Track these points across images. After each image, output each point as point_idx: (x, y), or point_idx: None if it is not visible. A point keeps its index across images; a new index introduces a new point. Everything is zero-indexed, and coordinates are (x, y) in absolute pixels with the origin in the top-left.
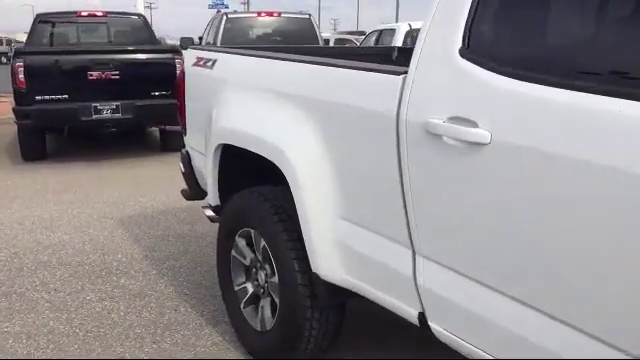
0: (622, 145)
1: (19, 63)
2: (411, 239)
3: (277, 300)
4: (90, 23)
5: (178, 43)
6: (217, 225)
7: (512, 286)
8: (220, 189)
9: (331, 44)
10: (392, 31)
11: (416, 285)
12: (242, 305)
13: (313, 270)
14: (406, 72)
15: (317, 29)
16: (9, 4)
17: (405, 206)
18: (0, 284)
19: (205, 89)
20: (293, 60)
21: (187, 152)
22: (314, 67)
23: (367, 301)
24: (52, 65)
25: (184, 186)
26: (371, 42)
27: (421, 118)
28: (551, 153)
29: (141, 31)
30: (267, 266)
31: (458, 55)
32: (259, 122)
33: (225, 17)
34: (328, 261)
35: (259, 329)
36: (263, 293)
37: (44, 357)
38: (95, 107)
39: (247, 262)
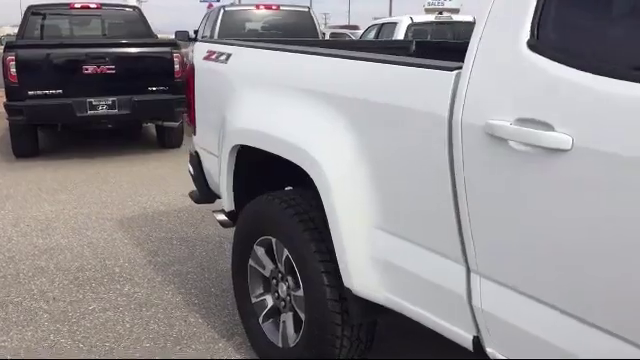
0: None
1: (11, 56)
2: (465, 255)
3: (302, 315)
4: (83, 15)
5: (170, 37)
6: (223, 227)
7: (594, 313)
8: (235, 193)
9: (327, 38)
10: (393, 25)
11: (471, 306)
12: (261, 319)
13: (345, 285)
14: (459, 67)
15: (316, 22)
16: None
17: (458, 218)
18: None
19: (218, 85)
20: (325, 55)
21: (196, 153)
22: (349, 62)
23: (402, 317)
24: (45, 59)
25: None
26: (371, 36)
27: (480, 119)
28: None
29: (136, 24)
30: (290, 278)
31: (526, 48)
32: (283, 122)
33: (222, 10)
34: (363, 276)
35: (280, 345)
36: (284, 307)
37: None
38: (90, 103)
39: (266, 273)
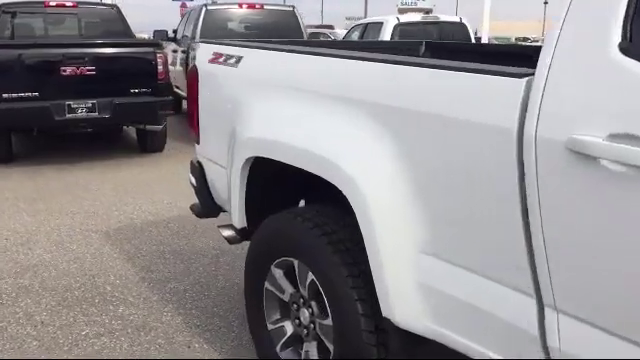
0: None
1: None
2: (538, 286)
3: (330, 346)
4: (59, 14)
5: (147, 36)
6: (222, 239)
7: None
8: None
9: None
10: (379, 24)
11: (545, 346)
12: (279, 348)
13: (384, 315)
14: (531, 74)
15: (301, 22)
16: None
17: (530, 246)
18: None
19: (228, 90)
20: (359, 58)
21: (199, 163)
22: (388, 67)
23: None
24: (19, 60)
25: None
26: (355, 36)
27: (561, 134)
28: None
29: (115, 23)
30: (314, 304)
31: (618, 52)
32: (309, 132)
33: (205, 9)
34: (406, 305)
35: None
36: (307, 335)
37: None
38: (69, 106)
39: (285, 297)
